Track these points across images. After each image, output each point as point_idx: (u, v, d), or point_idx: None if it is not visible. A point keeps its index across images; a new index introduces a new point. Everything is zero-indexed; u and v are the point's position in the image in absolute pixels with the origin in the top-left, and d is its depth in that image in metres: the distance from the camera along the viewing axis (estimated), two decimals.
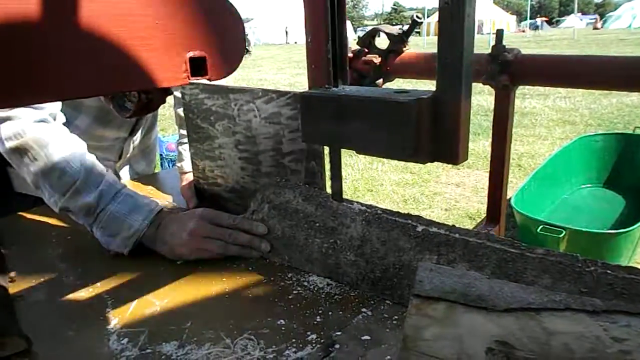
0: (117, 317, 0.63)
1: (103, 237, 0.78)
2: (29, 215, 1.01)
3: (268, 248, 0.76)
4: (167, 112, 1.14)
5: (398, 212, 0.67)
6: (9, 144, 0.81)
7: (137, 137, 1.22)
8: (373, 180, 3.72)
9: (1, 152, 0.83)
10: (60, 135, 0.83)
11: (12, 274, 0.74)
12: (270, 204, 0.78)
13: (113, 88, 0.51)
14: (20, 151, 0.81)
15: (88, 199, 0.78)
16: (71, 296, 0.69)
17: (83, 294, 0.70)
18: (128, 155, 1.22)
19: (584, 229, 1.98)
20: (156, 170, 1.41)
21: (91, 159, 0.83)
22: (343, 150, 0.67)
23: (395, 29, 1.03)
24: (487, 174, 0.95)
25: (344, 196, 0.73)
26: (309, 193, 0.75)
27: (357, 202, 0.71)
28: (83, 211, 0.79)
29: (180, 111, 1.15)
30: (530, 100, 6.44)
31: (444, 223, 0.63)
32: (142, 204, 0.80)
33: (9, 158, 0.83)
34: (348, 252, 0.68)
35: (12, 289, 0.70)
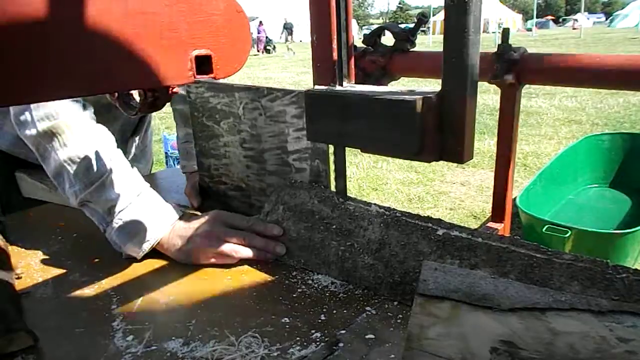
0: (122, 314, 0.63)
1: (119, 237, 0.76)
2: (35, 213, 1.01)
3: (284, 251, 0.75)
4: (170, 109, 1.15)
5: (418, 215, 0.65)
6: (41, 126, 0.78)
7: (140, 136, 1.23)
8: (378, 179, 3.72)
9: (29, 135, 0.80)
10: (92, 124, 0.82)
11: (19, 270, 0.75)
12: (285, 205, 0.77)
13: (118, 86, 0.52)
14: (52, 134, 0.78)
15: (112, 196, 0.76)
16: (77, 293, 0.70)
17: (89, 290, 0.70)
18: (131, 156, 1.23)
19: (589, 229, 1.97)
20: (161, 168, 1.42)
21: (120, 154, 0.81)
22: (348, 149, 0.67)
23: (400, 28, 1.03)
24: (493, 173, 0.94)
25: (354, 197, 0.73)
26: (324, 194, 0.73)
27: (375, 204, 0.69)
28: (104, 207, 0.77)
29: (179, 107, 1.16)
30: (536, 99, 6.41)
31: (466, 226, 0.62)
32: (165, 207, 0.78)
33: (36, 141, 0.80)
34: (366, 256, 0.67)
35: (19, 285, 0.71)
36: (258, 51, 20.12)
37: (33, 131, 0.80)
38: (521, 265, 0.55)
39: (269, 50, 20.44)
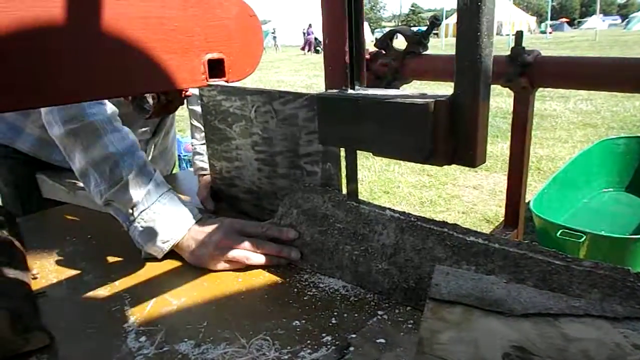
0: (135, 316, 0.64)
1: (141, 237, 0.77)
2: (51, 214, 1.03)
3: (299, 256, 0.75)
4: (185, 112, 1.15)
5: (433, 220, 0.65)
6: (67, 126, 0.80)
7: (160, 138, 1.24)
8: (389, 182, 3.71)
9: (57, 135, 0.82)
10: (117, 126, 0.83)
11: (35, 271, 0.76)
12: (298, 209, 0.77)
13: (132, 90, 0.52)
14: (78, 135, 0.80)
15: (135, 196, 0.78)
16: (91, 294, 0.71)
17: (102, 292, 0.71)
18: (150, 158, 1.24)
19: (605, 234, 1.94)
20: (174, 171, 1.43)
21: (143, 155, 0.83)
22: (359, 152, 0.67)
23: (413, 31, 1.03)
24: (506, 177, 0.94)
25: (362, 198, 0.73)
26: (338, 198, 0.73)
27: (389, 208, 0.69)
28: (127, 207, 0.78)
29: (195, 108, 1.17)
30: (550, 102, 6.34)
31: (481, 232, 0.61)
32: (186, 209, 0.79)
33: (63, 141, 0.82)
34: (380, 261, 0.66)
35: (35, 285, 0.72)
36: (308, 51, 22.50)
37: (60, 131, 0.81)
38: (539, 272, 0.54)
39: (319, 50, 21.81)
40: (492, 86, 0.52)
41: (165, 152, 1.33)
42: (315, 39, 22.52)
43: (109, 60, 0.44)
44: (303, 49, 23.33)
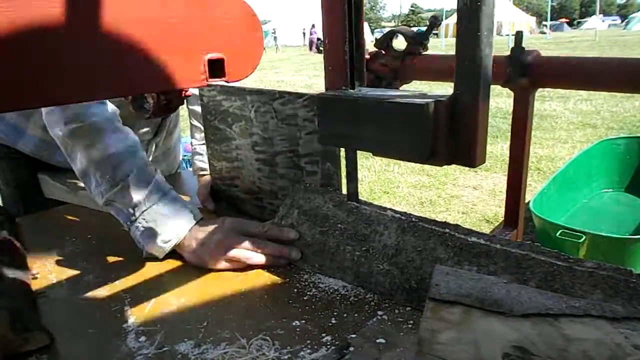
0: (134, 316, 0.64)
1: (142, 237, 0.78)
2: (51, 214, 1.03)
3: (299, 256, 0.75)
4: (186, 112, 1.16)
5: (434, 221, 0.65)
6: (69, 127, 0.80)
7: (161, 138, 1.24)
8: (389, 183, 3.71)
9: (58, 136, 0.82)
10: (118, 126, 0.83)
11: (35, 271, 0.76)
12: (299, 209, 0.77)
13: (132, 90, 0.52)
14: (79, 135, 0.80)
15: (136, 196, 0.78)
16: (90, 294, 0.70)
17: (102, 292, 0.71)
18: (151, 158, 1.24)
19: (604, 234, 1.94)
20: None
21: (144, 156, 0.83)
22: (359, 152, 0.67)
23: (413, 31, 1.02)
24: (505, 177, 0.94)
25: (361, 198, 0.73)
26: (339, 198, 0.73)
27: (390, 209, 0.69)
28: (128, 207, 0.78)
29: (195, 107, 1.16)
30: (550, 102, 6.34)
31: (483, 232, 0.61)
32: (187, 209, 0.79)
33: (64, 142, 0.82)
34: (381, 261, 0.66)
35: (34, 285, 0.72)
36: (311, 50, 23.36)
37: (61, 132, 0.81)
38: (541, 273, 0.54)
39: (321, 50, 22.23)
40: (492, 86, 0.52)
41: (168, 152, 1.33)
42: (318, 39, 22.78)
43: (109, 61, 0.44)
44: (311, 49, 23.58)
